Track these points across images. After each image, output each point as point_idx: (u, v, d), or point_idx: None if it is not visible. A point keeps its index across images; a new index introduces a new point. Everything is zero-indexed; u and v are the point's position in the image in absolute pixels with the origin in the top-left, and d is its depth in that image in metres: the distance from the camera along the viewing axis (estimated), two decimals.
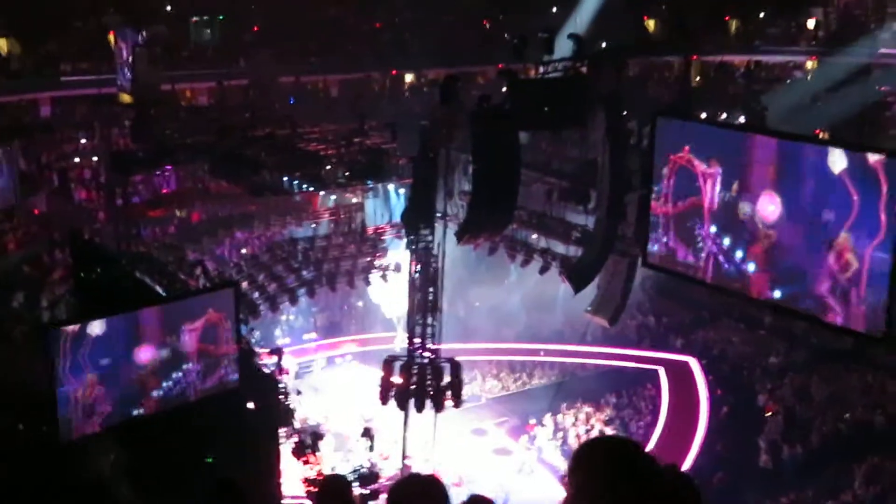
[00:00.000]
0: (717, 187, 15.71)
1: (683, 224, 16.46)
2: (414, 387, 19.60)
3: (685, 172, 16.17)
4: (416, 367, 19.74)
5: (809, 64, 41.37)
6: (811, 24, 42.38)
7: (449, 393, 19.63)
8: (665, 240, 16.88)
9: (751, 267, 15.51)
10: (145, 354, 15.69)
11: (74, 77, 35.32)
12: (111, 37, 33.24)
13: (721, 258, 15.95)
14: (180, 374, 16.16)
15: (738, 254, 15.66)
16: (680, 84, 41.03)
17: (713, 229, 15.94)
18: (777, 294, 15.38)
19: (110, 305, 17.72)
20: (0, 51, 35.80)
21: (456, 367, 19.76)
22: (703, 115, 21.13)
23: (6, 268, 26.19)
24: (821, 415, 25.07)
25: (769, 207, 14.89)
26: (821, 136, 26.23)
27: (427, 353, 19.93)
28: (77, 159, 33.59)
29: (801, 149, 14.68)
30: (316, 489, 9.94)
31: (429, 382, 19.64)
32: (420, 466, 22.61)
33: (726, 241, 15.81)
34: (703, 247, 16.19)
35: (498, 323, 30.06)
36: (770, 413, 25.56)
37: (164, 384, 16.04)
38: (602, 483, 2.46)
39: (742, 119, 26.15)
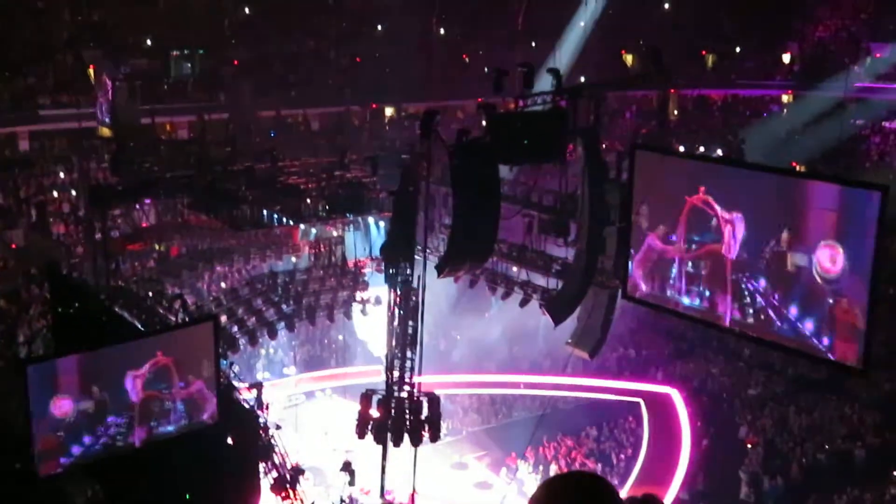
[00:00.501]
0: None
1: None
2: (391, 421, 19.49)
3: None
4: (394, 400, 19.64)
5: (785, 98, 41.89)
6: (787, 58, 42.97)
7: (427, 427, 19.52)
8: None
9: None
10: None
11: (53, 111, 35.26)
12: (91, 70, 33.29)
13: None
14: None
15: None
16: (658, 117, 41.38)
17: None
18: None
19: (89, 340, 17.61)
20: None
21: (434, 402, 19.67)
22: (682, 149, 21.30)
23: None
24: (800, 446, 25.12)
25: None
26: (798, 169, 26.50)
27: (406, 387, 19.85)
28: (55, 193, 33.47)
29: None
30: None
31: (407, 416, 19.53)
32: (400, 500, 22.52)
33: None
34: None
35: (479, 355, 30.01)
36: (751, 445, 25.59)
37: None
38: None
39: (720, 152, 26.43)
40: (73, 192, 32.81)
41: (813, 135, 32.75)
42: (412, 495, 20.62)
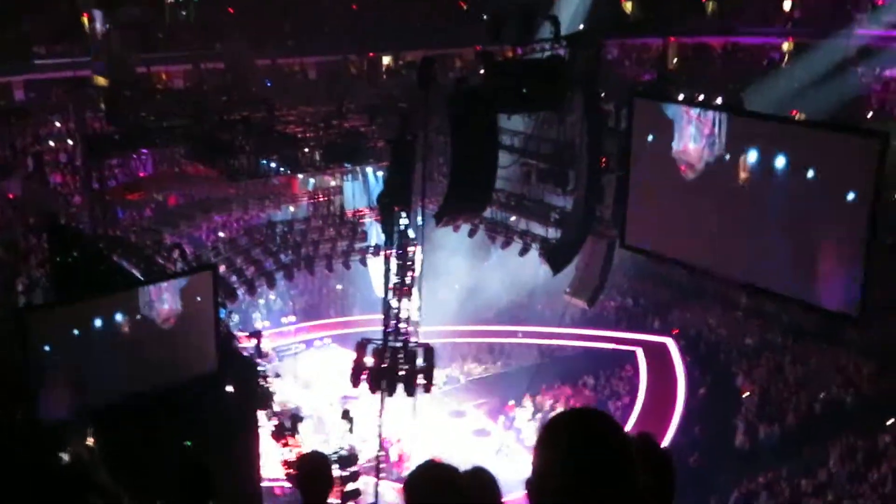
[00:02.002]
0: None
1: None
2: (385, 370, 19.59)
3: None
4: (388, 350, 19.74)
5: (786, 46, 41.52)
6: (787, 5, 42.50)
7: (421, 377, 19.64)
8: None
9: None
10: None
11: (49, 60, 34.97)
12: (85, 19, 32.97)
13: None
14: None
15: None
16: (657, 66, 41.11)
17: None
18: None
19: (87, 289, 17.66)
20: None
21: (429, 352, 19.77)
22: (681, 97, 21.15)
23: None
24: (795, 395, 25.30)
25: None
26: (797, 116, 26.36)
27: (402, 337, 19.94)
28: (52, 143, 33.30)
29: None
30: (296, 464, 9.95)
31: (401, 366, 19.63)
32: (398, 448, 22.74)
33: None
34: None
35: (477, 305, 30.10)
36: (746, 394, 25.78)
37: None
38: (562, 452, 2.46)
39: (720, 101, 26.23)
40: (70, 142, 32.65)
41: (822, 86, 32.32)
42: (398, 442, 20.73)
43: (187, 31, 40.35)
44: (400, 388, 19.48)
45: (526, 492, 2.54)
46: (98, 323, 15.62)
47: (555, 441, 2.50)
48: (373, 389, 19.74)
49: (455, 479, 3.99)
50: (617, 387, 27.18)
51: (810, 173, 14.00)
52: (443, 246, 25.29)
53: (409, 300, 20.12)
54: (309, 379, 26.54)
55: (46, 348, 14.93)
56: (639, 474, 2.47)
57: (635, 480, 2.45)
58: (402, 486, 4.07)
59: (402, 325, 19.98)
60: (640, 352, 27.80)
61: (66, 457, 17.31)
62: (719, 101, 23.25)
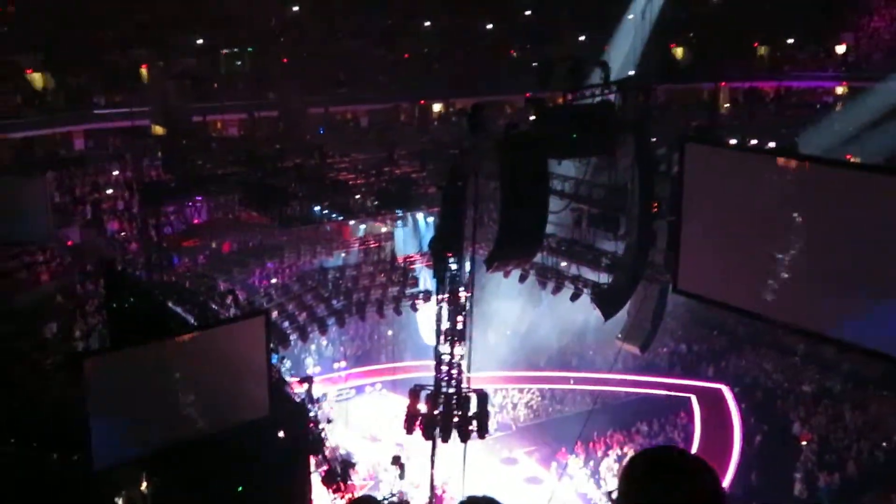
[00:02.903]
0: None
1: None
2: (439, 416, 19.50)
3: None
4: (442, 396, 19.65)
5: (840, 89, 41.16)
6: (841, 49, 42.18)
7: (475, 423, 19.51)
8: None
9: None
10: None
11: (107, 110, 35.78)
12: (143, 70, 33.76)
13: None
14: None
15: None
16: (708, 110, 40.93)
17: None
18: None
19: (143, 335, 17.87)
20: (35, 85, 36.33)
21: (482, 398, 19.66)
22: (733, 142, 21.04)
23: (40, 299, 26.44)
24: (856, 443, 24.72)
25: None
26: (851, 160, 26.01)
27: (454, 383, 19.86)
28: (110, 191, 33.97)
29: None
30: None
31: (455, 412, 19.53)
32: (451, 495, 22.54)
33: None
34: None
35: (528, 350, 29.95)
36: (805, 442, 25.24)
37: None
38: (639, 490, 2.43)
39: (772, 145, 26.02)
40: (127, 190, 33.29)
41: (878, 129, 31.89)
42: (442, 489, 20.53)
43: (241, 80, 41.08)
44: (454, 434, 19.37)
45: None
46: (153, 368, 15.77)
47: (633, 477, 2.48)
48: (427, 436, 19.63)
49: None
50: (671, 434, 26.76)
51: (868, 217, 13.75)
52: (493, 292, 25.26)
53: (461, 346, 20.05)
54: (360, 425, 26.50)
55: (102, 393, 15.06)
56: None
57: None
58: None
59: (454, 371, 19.89)
60: (694, 398, 27.41)
61: (120, 501, 17.42)
62: (772, 144, 23.05)
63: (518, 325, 30.17)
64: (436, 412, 19.47)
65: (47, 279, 28.39)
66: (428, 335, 27.36)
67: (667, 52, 44.59)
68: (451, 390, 19.65)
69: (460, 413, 19.45)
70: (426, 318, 25.34)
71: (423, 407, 19.74)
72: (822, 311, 14.95)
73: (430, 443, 19.85)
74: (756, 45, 44.21)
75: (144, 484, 17.93)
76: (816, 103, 41.60)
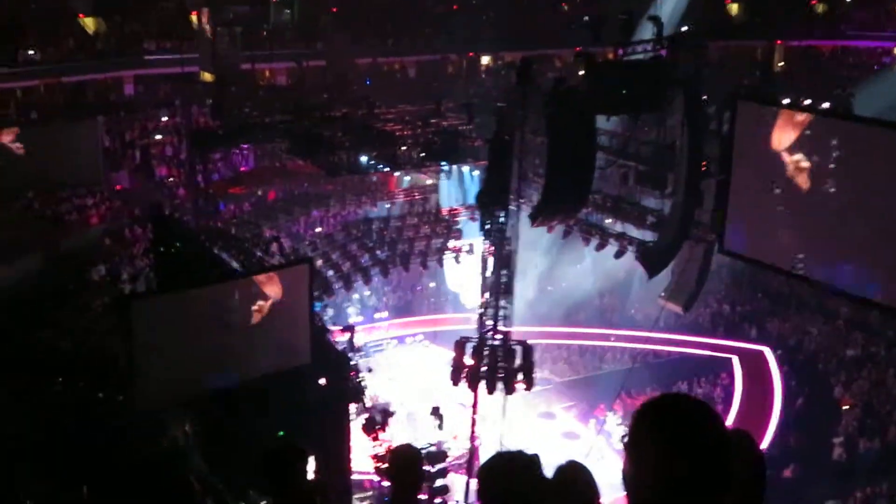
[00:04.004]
0: None
1: None
2: (485, 369, 19.59)
3: None
4: (487, 349, 19.73)
5: None
6: None
7: (520, 375, 19.59)
8: None
9: None
10: None
11: (157, 56, 35.97)
12: (193, 16, 33.84)
13: None
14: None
15: None
16: (762, 69, 40.21)
17: None
18: None
19: (189, 280, 18.13)
20: (88, 29, 36.59)
21: (528, 350, 19.70)
22: (786, 101, 20.66)
23: (89, 241, 26.89)
24: None
25: None
26: None
27: (498, 336, 19.92)
28: (159, 137, 34.27)
29: None
30: (387, 458, 9.97)
31: (500, 365, 19.61)
32: (488, 447, 22.69)
33: None
34: None
35: (570, 307, 29.91)
36: (846, 406, 25.04)
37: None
38: (655, 438, 2.45)
39: (827, 105, 25.53)
40: (176, 136, 33.57)
41: None
42: (473, 441, 20.69)
43: (291, 29, 41.03)
44: (499, 386, 19.49)
45: (623, 482, 2.55)
46: (197, 312, 16.01)
47: (648, 425, 2.50)
48: (472, 388, 19.76)
49: (532, 465, 3.91)
50: (712, 394, 26.68)
51: None
52: (535, 247, 25.19)
53: (506, 299, 20.08)
54: (400, 375, 26.75)
55: (148, 335, 15.31)
56: (734, 466, 2.46)
57: (731, 471, 2.44)
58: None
59: (499, 324, 19.94)
60: (735, 360, 27.25)
61: (164, 442, 17.81)
62: (826, 105, 22.62)
63: (559, 281, 30.12)
64: (482, 365, 19.57)
65: (96, 222, 28.85)
66: (455, 284, 27.48)
67: (721, 8, 43.79)
68: (497, 342, 19.73)
69: (505, 365, 19.53)
70: (454, 267, 25.43)
71: (468, 359, 19.84)
72: (870, 276, 14.79)
73: (470, 395, 20.01)
74: (813, 2, 43.20)
75: (188, 426, 18.29)
76: (874, 64, 40.64)
